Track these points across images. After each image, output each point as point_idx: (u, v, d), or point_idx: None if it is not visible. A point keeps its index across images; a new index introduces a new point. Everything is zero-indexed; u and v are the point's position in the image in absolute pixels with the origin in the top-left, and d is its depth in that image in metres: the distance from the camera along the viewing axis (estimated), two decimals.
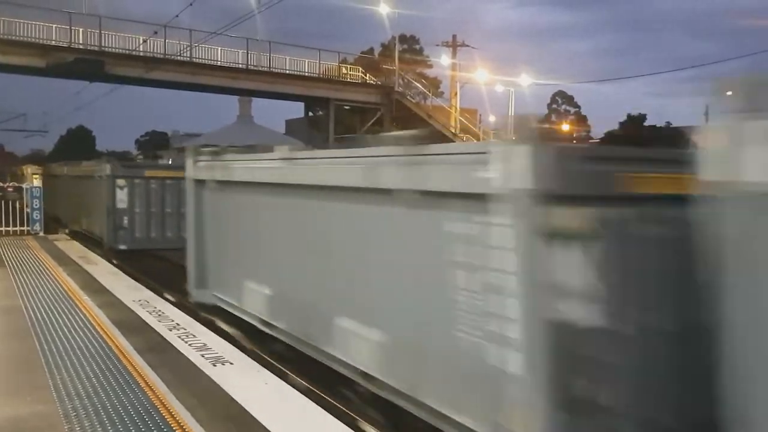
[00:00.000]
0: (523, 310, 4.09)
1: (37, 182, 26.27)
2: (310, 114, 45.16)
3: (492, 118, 47.20)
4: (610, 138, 44.48)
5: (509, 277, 4.18)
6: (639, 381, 3.98)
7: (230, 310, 8.96)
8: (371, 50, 58.89)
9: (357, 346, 5.99)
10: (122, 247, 16.49)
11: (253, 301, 8.17)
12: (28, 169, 37.14)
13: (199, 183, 10.09)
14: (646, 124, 54.03)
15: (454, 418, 4.70)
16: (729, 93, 3.17)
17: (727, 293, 3.14)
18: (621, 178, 4.05)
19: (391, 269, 5.54)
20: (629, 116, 57.38)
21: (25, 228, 21.14)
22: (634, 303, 3.92)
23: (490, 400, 4.32)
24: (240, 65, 37.40)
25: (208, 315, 9.54)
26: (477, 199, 4.41)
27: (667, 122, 56.58)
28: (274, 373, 6.69)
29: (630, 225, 4.02)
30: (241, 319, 8.56)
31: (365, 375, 5.93)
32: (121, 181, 16.58)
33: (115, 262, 15.32)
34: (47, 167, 31.75)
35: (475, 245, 4.51)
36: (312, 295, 6.90)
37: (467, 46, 40.97)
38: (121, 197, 16.52)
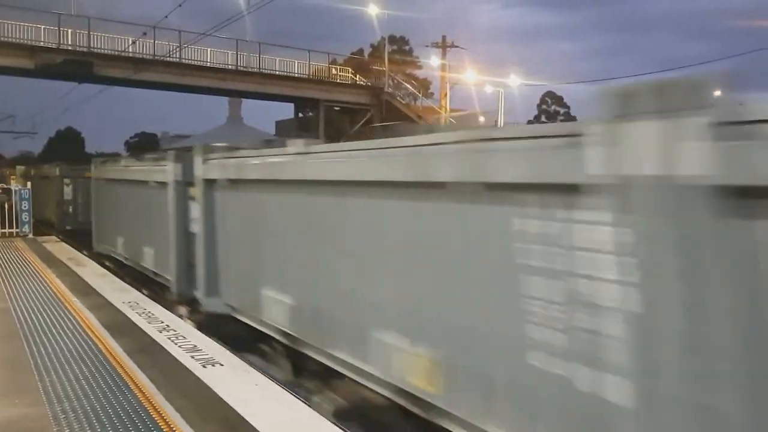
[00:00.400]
0: (174, 227, 10.40)
1: (15, 184, 26.57)
2: (300, 115, 45.11)
3: (482, 119, 47.30)
4: None
5: (173, 215, 10.47)
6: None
7: (113, 254, 15.43)
8: (361, 51, 59.00)
9: (148, 258, 12.31)
10: (68, 227, 22.29)
11: (120, 247, 14.61)
12: (6, 171, 38.82)
13: (97, 180, 17.42)
14: None
15: (164, 274, 11.30)
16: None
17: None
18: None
19: (149, 217, 12.07)
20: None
21: (14, 230, 21.04)
22: (214, 224, 8.97)
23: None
24: (229, 66, 37.34)
25: (104, 260, 15.70)
26: (166, 184, 10.78)
27: None
28: (264, 375, 6.70)
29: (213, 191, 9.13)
30: (118, 260, 14.89)
31: (154, 273, 12.01)
32: (67, 180, 22.64)
33: (61, 237, 20.87)
34: (19, 170, 35.91)
35: (173, 204, 10.57)
36: (135, 237, 13.29)
37: (457, 47, 40.99)
38: (68, 192, 22.63)
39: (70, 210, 22.65)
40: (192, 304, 9.91)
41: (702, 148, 2.88)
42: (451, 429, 4.64)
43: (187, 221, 10.08)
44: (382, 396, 5.54)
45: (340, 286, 6.11)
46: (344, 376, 6.14)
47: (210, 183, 9.04)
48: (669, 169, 3.02)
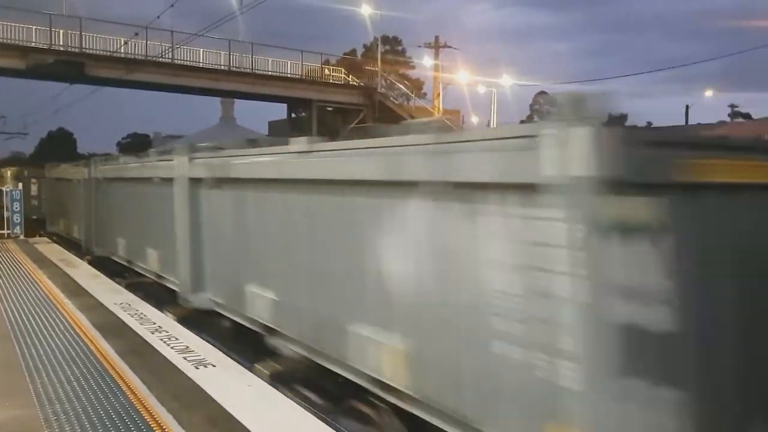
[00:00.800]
0: (84, 208, 17.37)
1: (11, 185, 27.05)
2: (293, 115, 45.02)
3: (474, 119, 47.34)
4: None
5: (83, 200, 17.12)
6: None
7: (59, 233, 21.04)
8: (354, 51, 58.99)
9: (75, 230, 18.04)
10: (34, 217, 26.03)
11: (61, 225, 20.34)
12: None
13: (48, 179, 24.15)
14: (626, 124, 54.18)
15: (81, 238, 17.74)
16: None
17: None
18: None
19: (76, 203, 18.03)
20: (610, 116, 57.58)
21: (5, 231, 20.93)
22: (102, 205, 16.13)
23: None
24: (222, 67, 37.22)
25: (54, 238, 21.11)
26: (81, 181, 17.36)
27: (648, 122, 57.04)
28: (257, 376, 6.68)
29: (100, 185, 16.06)
30: (67, 238, 19.67)
31: (78, 239, 17.53)
32: (33, 179, 27.55)
33: (26, 224, 25.00)
34: None
35: (83, 193, 17.15)
36: (69, 218, 18.88)
37: (449, 47, 40.93)
38: (34, 189, 27.26)
39: (36, 203, 27.34)
40: (92, 254, 16.01)
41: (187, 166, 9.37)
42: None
43: (92, 204, 15.89)
44: (152, 279, 11.54)
45: (137, 229, 12.42)
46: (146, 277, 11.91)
47: (99, 180, 15.37)
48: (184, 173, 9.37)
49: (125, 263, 13.22)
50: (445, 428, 4.59)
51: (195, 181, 9.10)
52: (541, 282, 3.66)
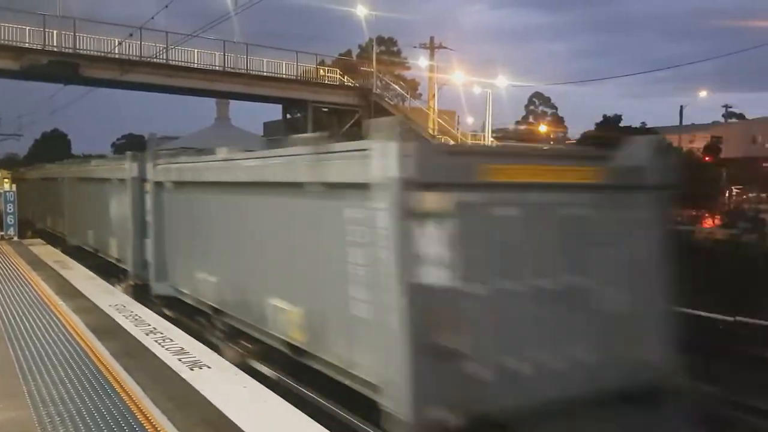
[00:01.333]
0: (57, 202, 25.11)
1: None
2: (288, 116, 44.96)
3: (470, 120, 47.39)
4: (585, 139, 44.80)
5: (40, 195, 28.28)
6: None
7: (23, 219, 25.51)
8: (349, 52, 58.96)
9: (30, 216, 27.84)
10: None
11: (41, 221, 25.47)
12: None
13: (20, 179, 28.96)
14: (621, 125, 54.30)
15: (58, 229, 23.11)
16: None
17: None
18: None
19: (28, 195, 28.85)
20: (605, 117, 57.80)
21: None
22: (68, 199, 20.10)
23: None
24: (217, 67, 37.15)
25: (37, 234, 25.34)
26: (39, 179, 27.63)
27: (642, 123, 57.17)
28: (252, 377, 6.68)
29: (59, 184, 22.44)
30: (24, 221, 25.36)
31: (50, 229, 25.34)
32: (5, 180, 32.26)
33: None
34: None
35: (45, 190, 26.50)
36: (25, 207, 25.99)
37: (445, 48, 41.01)
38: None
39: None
40: (35, 228, 23.51)
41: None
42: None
43: (34, 195, 23.93)
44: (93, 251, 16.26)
45: (50, 207, 22.46)
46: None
47: (34, 179, 26.06)
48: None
49: (49, 230, 21.92)
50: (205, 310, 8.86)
51: (63, 179, 18.96)
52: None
